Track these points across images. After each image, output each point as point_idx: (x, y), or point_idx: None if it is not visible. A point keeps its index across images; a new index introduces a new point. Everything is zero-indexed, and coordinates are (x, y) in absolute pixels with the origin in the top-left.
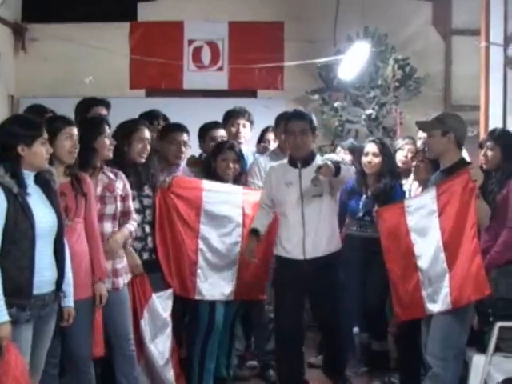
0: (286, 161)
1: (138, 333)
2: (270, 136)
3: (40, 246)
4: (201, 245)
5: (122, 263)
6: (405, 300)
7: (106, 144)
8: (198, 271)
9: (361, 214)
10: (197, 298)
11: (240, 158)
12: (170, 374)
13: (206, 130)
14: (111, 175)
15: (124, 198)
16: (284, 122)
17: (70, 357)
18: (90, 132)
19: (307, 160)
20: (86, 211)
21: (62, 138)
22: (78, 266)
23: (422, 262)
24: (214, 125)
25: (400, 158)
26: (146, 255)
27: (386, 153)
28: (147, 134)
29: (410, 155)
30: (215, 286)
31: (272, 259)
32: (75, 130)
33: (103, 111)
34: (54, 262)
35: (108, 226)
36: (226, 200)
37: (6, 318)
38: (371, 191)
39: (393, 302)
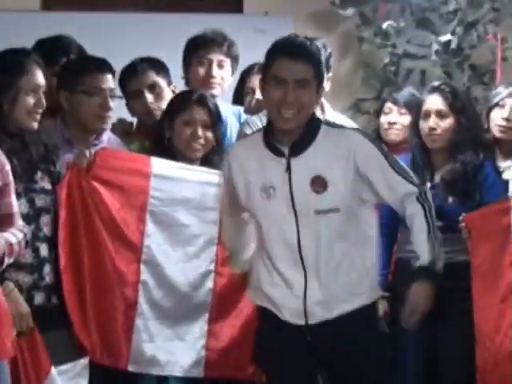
0: (259, 137)
1: None
2: (256, 82)
3: None
4: (144, 274)
5: None
6: (491, 357)
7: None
8: (138, 322)
9: None
10: (132, 369)
11: (216, 119)
12: None
13: (121, 79)
14: None
15: (1, 192)
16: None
17: None
18: None
19: (304, 140)
20: None
21: None
22: None
23: None
24: (131, 69)
25: (497, 120)
26: (39, 298)
27: (464, 109)
28: (41, 78)
29: None
30: (168, 351)
31: None
32: None
33: None
34: None
35: None
36: (190, 195)
37: None
38: (440, 176)
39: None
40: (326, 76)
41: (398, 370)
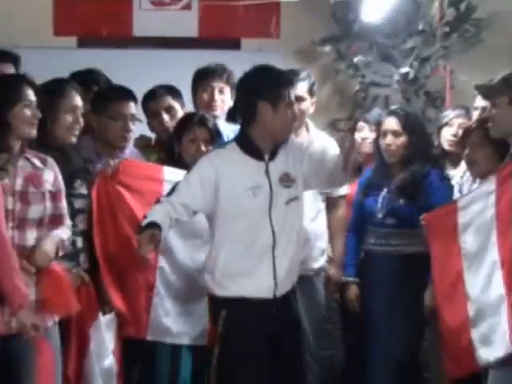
0: (235, 147)
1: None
2: None
3: None
4: (161, 261)
5: None
6: (454, 348)
7: (26, 116)
8: (155, 300)
9: (380, 216)
10: (150, 338)
11: (215, 136)
12: None
13: (143, 103)
14: (37, 162)
15: (55, 196)
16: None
17: None
18: None
19: (277, 147)
20: None
21: None
22: None
23: (472, 288)
24: (151, 94)
25: (447, 136)
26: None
27: (414, 129)
28: (79, 100)
29: (460, 133)
30: (179, 324)
31: None
32: None
33: (8, 69)
34: None
35: (31, 237)
36: None
37: None
38: (394, 183)
39: (441, 353)
40: (311, 100)
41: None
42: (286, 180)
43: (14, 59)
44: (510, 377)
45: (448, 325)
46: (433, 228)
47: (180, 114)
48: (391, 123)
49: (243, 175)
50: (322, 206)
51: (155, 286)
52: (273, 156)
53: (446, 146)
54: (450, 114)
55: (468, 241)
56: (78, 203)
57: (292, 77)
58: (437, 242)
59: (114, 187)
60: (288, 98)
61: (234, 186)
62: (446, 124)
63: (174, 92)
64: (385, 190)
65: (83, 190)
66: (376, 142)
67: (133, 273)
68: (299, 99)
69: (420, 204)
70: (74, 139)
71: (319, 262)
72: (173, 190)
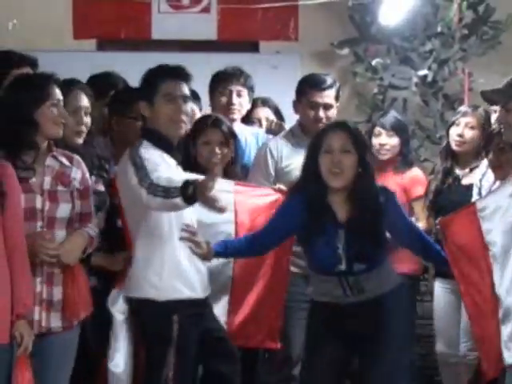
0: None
1: None
2: (261, 113)
3: None
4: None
5: None
6: (489, 349)
7: (54, 115)
8: None
9: None
10: None
11: (229, 138)
12: None
13: None
14: (65, 160)
15: (82, 194)
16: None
17: None
18: (26, 97)
19: None
20: (6, 217)
21: None
22: None
23: (500, 288)
24: None
25: (453, 136)
26: (92, 280)
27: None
28: (85, 101)
29: (469, 133)
30: None
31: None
32: None
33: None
34: None
35: (60, 236)
36: None
37: None
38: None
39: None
40: (335, 104)
41: None
42: None
43: (32, 62)
44: None
45: (482, 325)
46: (451, 231)
47: (197, 116)
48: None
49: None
50: None
51: None
52: None
53: (454, 147)
54: (459, 111)
55: (494, 241)
56: (94, 200)
57: (176, 71)
58: (457, 244)
59: None
60: (168, 92)
61: None
62: (454, 123)
63: (193, 95)
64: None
65: (99, 187)
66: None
67: None
68: (327, 107)
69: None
70: (79, 140)
71: None
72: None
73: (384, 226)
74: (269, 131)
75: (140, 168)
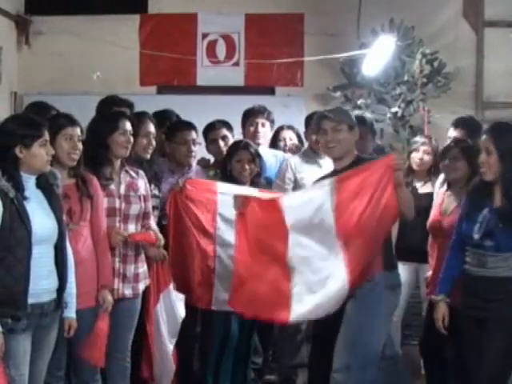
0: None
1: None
2: (286, 134)
3: (37, 254)
4: (218, 251)
5: (143, 267)
6: None
7: (121, 141)
8: (215, 280)
9: (477, 237)
10: (214, 308)
11: (255, 157)
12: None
13: (204, 132)
14: (133, 173)
15: (145, 198)
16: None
17: (76, 369)
18: (103, 127)
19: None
20: (93, 214)
21: (62, 138)
22: (83, 273)
23: None
24: (211, 126)
25: (415, 159)
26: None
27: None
28: (152, 128)
29: (426, 157)
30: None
31: None
32: (77, 131)
33: None
34: (55, 270)
35: (132, 228)
36: None
37: None
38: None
39: None
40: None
41: None
42: None
43: (129, 104)
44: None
45: None
46: None
47: (231, 141)
48: (484, 142)
49: None
50: None
51: (215, 269)
52: None
53: (415, 166)
54: (417, 141)
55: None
56: (153, 201)
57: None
58: None
59: (181, 199)
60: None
61: None
62: (414, 150)
63: (228, 125)
64: (485, 210)
65: (156, 192)
66: (471, 161)
67: (197, 261)
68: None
69: None
70: (147, 156)
71: None
72: None
73: None
74: (290, 150)
75: None
